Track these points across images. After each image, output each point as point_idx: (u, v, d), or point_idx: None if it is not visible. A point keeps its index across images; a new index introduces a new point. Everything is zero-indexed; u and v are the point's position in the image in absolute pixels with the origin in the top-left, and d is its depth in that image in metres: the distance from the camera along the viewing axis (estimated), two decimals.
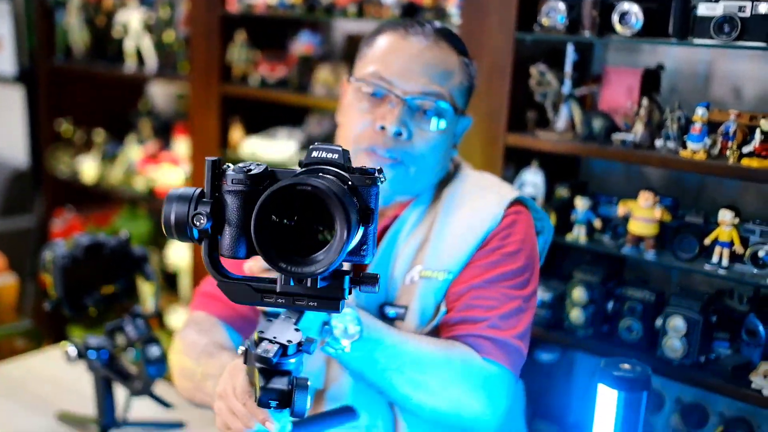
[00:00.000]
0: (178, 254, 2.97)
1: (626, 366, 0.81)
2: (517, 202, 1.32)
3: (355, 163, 1.21)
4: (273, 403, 0.88)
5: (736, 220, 1.56)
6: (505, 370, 1.21)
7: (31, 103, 3.64)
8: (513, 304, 1.24)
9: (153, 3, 2.85)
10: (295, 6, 2.34)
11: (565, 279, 1.87)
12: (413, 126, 1.25)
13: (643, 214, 1.65)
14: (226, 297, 1.38)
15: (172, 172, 2.85)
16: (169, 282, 3.10)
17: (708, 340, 1.64)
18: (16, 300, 2.87)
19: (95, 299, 1.51)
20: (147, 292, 1.83)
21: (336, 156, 0.84)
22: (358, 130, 1.25)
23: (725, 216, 1.56)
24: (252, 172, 0.83)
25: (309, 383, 0.89)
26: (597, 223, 1.76)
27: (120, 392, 1.64)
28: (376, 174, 0.84)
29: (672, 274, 1.87)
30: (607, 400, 0.84)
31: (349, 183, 0.83)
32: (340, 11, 2.23)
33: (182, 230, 0.84)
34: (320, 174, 0.81)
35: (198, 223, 0.83)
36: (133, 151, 3.02)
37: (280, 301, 0.85)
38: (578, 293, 1.79)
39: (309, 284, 0.82)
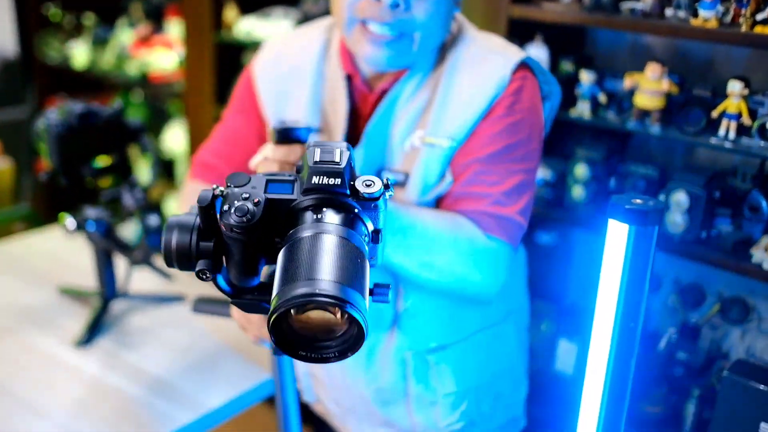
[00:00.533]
0: (174, 141, 2.93)
1: (638, 200, 0.80)
2: (524, 65, 1.26)
3: (351, 37, 1.19)
4: None
5: (746, 92, 1.52)
6: (507, 245, 1.22)
7: None
8: (516, 178, 1.22)
9: None
10: None
11: (567, 157, 1.85)
12: None
13: (650, 87, 1.61)
14: (223, 166, 1.37)
15: (165, 56, 2.78)
16: (165, 171, 3.07)
17: (710, 216, 1.64)
18: (13, 185, 2.86)
19: (91, 170, 1.48)
20: (144, 165, 1.81)
21: (338, 182, 0.78)
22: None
23: (734, 86, 1.52)
24: (251, 224, 0.77)
25: None
26: (602, 98, 1.72)
27: (120, 264, 1.64)
28: (383, 194, 0.80)
29: (677, 150, 1.84)
30: (617, 236, 0.83)
31: (356, 211, 0.79)
32: None
33: (184, 261, 0.82)
34: (324, 221, 0.76)
35: (204, 277, 0.81)
36: (125, 35, 2.94)
37: None
38: (580, 170, 1.77)
39: None
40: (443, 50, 1.28)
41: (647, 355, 1.80)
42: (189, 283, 1.73)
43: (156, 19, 2.97)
